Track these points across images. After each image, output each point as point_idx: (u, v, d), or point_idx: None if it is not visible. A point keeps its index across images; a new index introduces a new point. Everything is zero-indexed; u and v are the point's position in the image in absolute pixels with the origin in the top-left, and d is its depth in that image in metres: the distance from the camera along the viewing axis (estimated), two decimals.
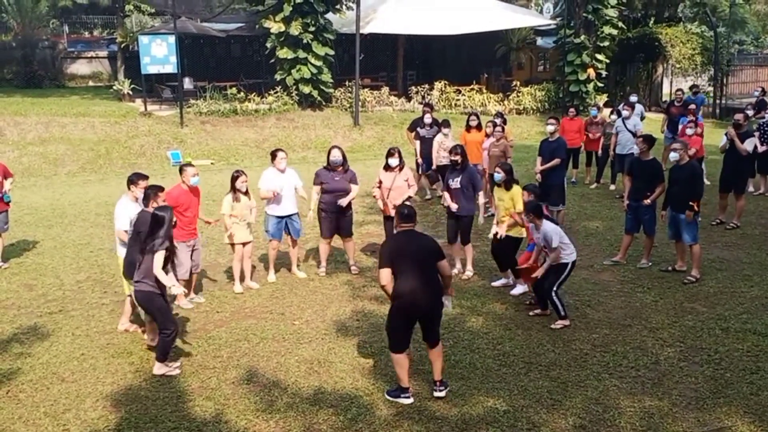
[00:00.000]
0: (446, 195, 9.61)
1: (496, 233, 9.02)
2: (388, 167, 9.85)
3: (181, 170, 8.80)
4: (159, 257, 6.77)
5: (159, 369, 6.99)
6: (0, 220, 10.54)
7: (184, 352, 7.50)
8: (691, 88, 19.58)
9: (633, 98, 16.21)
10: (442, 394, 6.52)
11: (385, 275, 6.26)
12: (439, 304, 6.49)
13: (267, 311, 8.65)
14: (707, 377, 6.80)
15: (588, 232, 11.84)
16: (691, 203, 9.22)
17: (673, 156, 9.54)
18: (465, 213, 9.53)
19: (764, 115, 15.14)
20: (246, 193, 9.13)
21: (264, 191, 9.41)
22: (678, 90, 17.62)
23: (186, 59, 23.85)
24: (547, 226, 7.97)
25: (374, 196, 10.27)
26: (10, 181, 10.69)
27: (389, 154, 9.82)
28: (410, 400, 6.41)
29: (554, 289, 7.96)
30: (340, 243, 10.36)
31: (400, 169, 9.82)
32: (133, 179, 8.07)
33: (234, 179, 9.07)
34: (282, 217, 9.52)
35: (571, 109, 15.78)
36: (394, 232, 6.70)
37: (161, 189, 7.60)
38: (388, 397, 6.47)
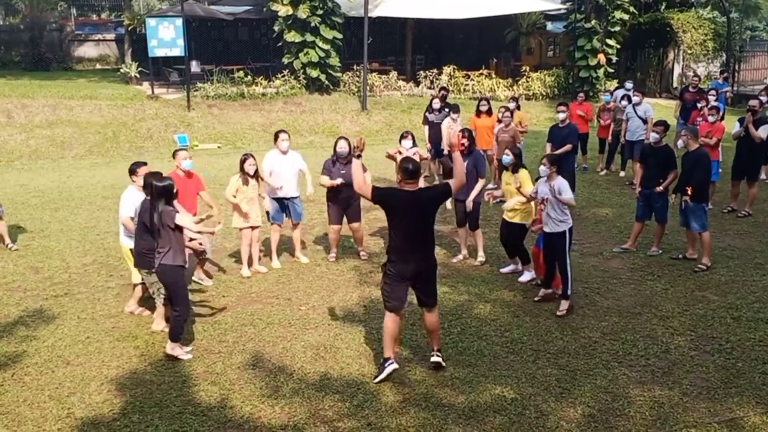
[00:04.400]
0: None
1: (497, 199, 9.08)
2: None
3: (174, 155, 8.75)
4: (182, 219, 6.79)
5: (171, 349, 6.93)
6: None
7: (190, 336, 7.45)
8: (721, 73, 19.68)
9: (629, 84, 16.15)
10: (439, 359, 6.58)
11: (363, 190, 6.31)
12: (432, 266, 6.47)
13: (273, 296, 8.60)
14: (718, 367, 6.72)
15: (597, 219, 11.74)
16: (686, 188, 9.16)
17: (680, 143, 9.49)
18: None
19: None
20: (254, 176, 9.08)
21: (266, 175, 9.38)
22: (695, 76, 17.42)
23: (193, 42, 23.72)
24: (559, 179, 7.95)
25: (388, 156, 10.36)
26: None
27: (403, 137, 10.01)
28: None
29: (567, 262, 7.91)
30: (345, 229, 10.29)
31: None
32: (133, 169, 8.05)
33: (242, 162, 9.03)
34: (282, 200, 9.45)
35: (580, 94, 15.64)
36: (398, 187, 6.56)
37: (160, 175, 7.53)
38: (377, 380, 6.42)
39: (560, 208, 7.92)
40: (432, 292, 6.56)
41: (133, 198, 7.89)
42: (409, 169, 6.32)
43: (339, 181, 9.45)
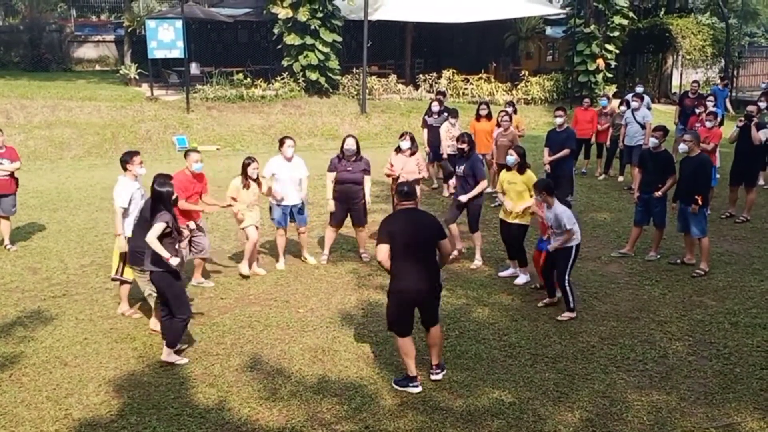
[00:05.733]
0: (451, 182, 9.63)
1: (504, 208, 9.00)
2: (399, 150, 9.91)
3: (185, 155, 8.79)
4: (157, 227, 6.69)
5: (168, 356, 6.89)
6: (8, 203, 10.47)
7: (188, 338, 7.43)
8: (721, 79, 19.76)
9: (639, 88, 16.11)
10: (439, 377, 6.55)
11: (383, 251, 6.31)
12: (436, 289, 6.49)
13: (271, 298, 8.60)
14: (716, 372, 6.73)
15: (596, 223, 11.74)
16: (696, 197, 9.11)
17: (683, 148, 9.44)
18: (472, 201, 9.45)
19: None
20: (256, 180, 9.06)
21: (265, 181, 9.36)
22: (694, 82, 17.46)
23: (193, 44, 23.72)
24: (558, 207, 7.88)
25: (387, 175, 10.28)
26: (16, 165, 10.54)
27: (402, 137, 9.98)
28: (419, 389, 6.38)
29: (566, 276, 7.86)
30: (345, 231, 10.29)
31: (412, 153, 9.86)
32: (126, 158, 8.03)
33: (245, 166, 8.99)
34: (286, 206, 9.43)
35: (586, 100, 15.69)
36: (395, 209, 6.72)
37: (169, 177, 7.52)
38: (396, 387, 6.42)
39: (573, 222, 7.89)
40: (434, 313, 6.56)
41: (126, 188, 7.89)
42: (404, 191, 6.55)
43: (330, 206, 9.51)
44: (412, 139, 9.97)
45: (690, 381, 6.57)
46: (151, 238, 6.68)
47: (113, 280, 8.16)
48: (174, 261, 6.81)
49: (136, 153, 8.14)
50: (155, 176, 7.28)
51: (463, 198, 9.35)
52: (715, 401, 6.22)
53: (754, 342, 7.34)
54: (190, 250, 8.57)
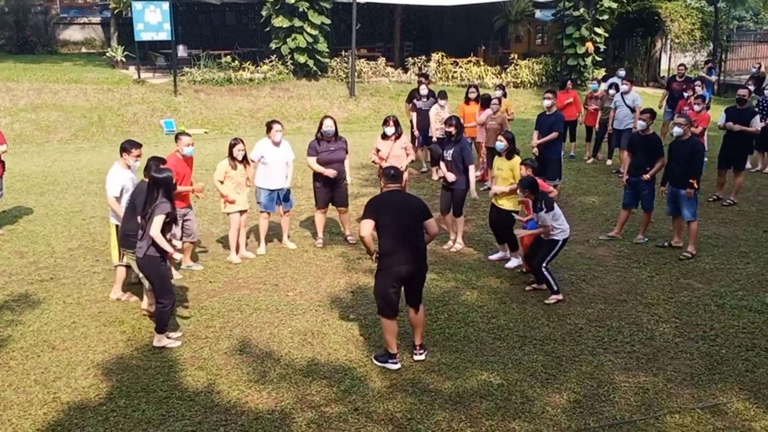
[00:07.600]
0: (442, 165, 9.57)
1: (494, 194, 8.99)
2: (385, 136, 9.90)
3: (176, 138, 8.72)
4: (158, 220, 6.67)
5: (159, 341, 6.90)
6: None
7: (177, 322, 7.42)
8: (706, 63, 19.82)
9: (621, 72, 16.18)
10: (422, 357, 6.62)
11: (366, 227, 6.39)
12: (423, 268, 6.55)
13: (260, 282, 8.59)
14: (702, 353, 6.79)
15: (584, 206, 11.78)
16: (690, 180, 9.14)
17: (677, 131, 9.43)
18: (457, 186, 9.45)
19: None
20: (242, 161, 9.03)
21: (255, 160, 9.32)
22: (681, 65, 17.49)
23: (180, 26, 23.52)
24: (540, 213, 7.85)
25: (374, 162, 10.29)
26: (2, 147, 10.46)
27: (385, 123, 9.96)
28: (397, 366, 6.45)
29: (543, 264, 7.90)
30: (333, 214, 10.28)
31: (398, 137, 9.84)
32: (126, 147, 7.98)
33: (231, 147, 8.97)
34: (273, 190, 9.42)
35: (568, 83, 15.68)
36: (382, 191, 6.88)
37: (163, 161, 7.46)
38: (376, 362, 6.51)
39: (554, 220, 7.90)
40: (419, 292, 6.61)
41: (118, 177, 7.87)
42: (390, 173, 6.72)
43: (330, 172, 9.42)
44: (396, 123, 9.95)
45: (676, 362, 6.63)
46: (155, 232, 6.65)
47: (117, 267, 8.09)
48: (177, 256, 6.96)
49: (138, 145, 8.04)
50: (149, 159, 7.23)
51: (450, 177, 9.33)
52: (702, 382, 6.28)
53: (740, 324, 7.41)
54: (181, 238, 8.53)
